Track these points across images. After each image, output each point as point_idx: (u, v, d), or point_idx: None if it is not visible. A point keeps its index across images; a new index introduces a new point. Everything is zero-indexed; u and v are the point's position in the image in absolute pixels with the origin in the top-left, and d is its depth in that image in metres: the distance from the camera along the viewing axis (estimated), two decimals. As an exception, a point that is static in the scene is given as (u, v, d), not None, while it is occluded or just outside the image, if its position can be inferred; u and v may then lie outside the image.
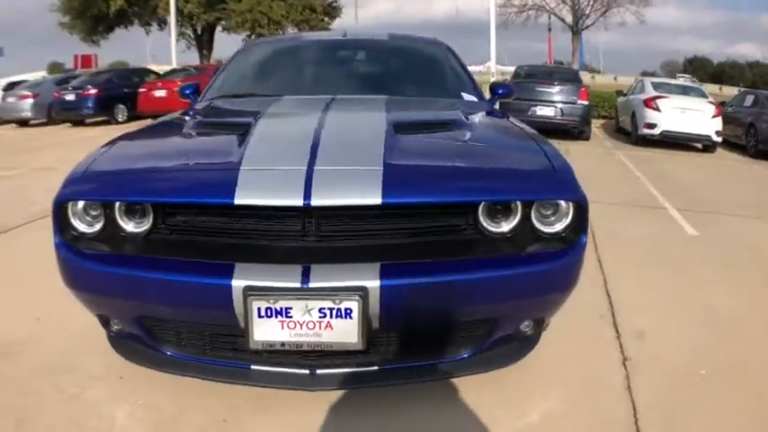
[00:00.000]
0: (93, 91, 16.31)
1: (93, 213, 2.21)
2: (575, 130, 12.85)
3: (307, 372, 2.16)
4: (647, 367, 2.87)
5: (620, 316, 3.49)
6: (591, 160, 10.26)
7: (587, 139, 13.09)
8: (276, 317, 1.95)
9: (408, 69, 4.06)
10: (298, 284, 1.92)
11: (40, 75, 28.87)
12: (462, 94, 3.69)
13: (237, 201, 1.97)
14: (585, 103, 12.72)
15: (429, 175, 2.18)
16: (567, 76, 13.84)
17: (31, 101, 17.01)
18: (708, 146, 12.56)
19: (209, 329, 2.21)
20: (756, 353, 3.10)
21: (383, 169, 2.06)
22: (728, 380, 2.81)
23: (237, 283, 1.93)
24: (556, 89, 12.78)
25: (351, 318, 1.94)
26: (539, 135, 2.72)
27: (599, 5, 32.75)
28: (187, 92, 3.97)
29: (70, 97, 16.47)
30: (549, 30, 38.08)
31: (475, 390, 2.52)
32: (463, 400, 2.50)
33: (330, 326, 1.95)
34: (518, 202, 2.17)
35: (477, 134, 2.72)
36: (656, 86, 13.54)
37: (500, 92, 4.10)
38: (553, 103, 12.69)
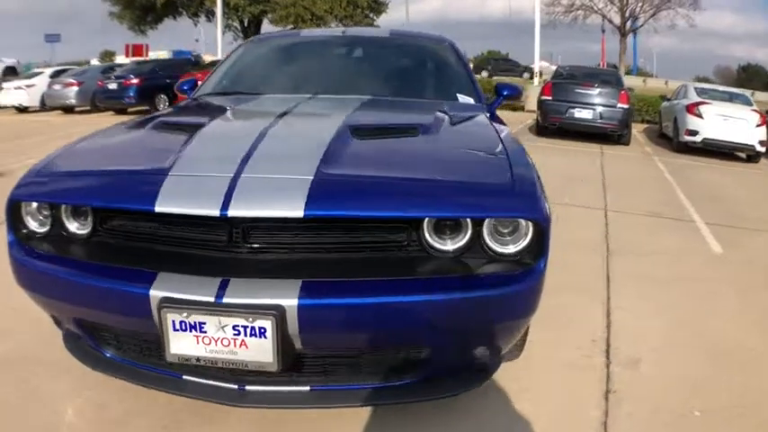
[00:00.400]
0: (134, 80, 16.52)
1: (45, 213, 2.22)
2: (613, 134, 12.43)
3: (235, 387, 2.05)
4: (634, 402, 2.61)
5: (616, 340, 3.21)
6: (625, 165, 9.95)
7: (627, 144, 12.62)
8: (191, 331, 1.84)
9: (401, 68, 3.91)
10: (212, 299, 1.81)
11: (94, 62, 29.58)
12: (458, 95, 3.51)
13: (158, 208, 1.89)
14: (626, 106, 12.25)
15: (363, 186, 2.01)
16: (608, 79, 13.35)
17: (75, 88, 17.38)
18: (751, 156, 11.94)
19: (143, 335, 2.11)
20: (766, 397, 2.77)
21: (313, 179, 1.93)
22: (726, 425, 2.52)
23: (155, 294, 1.86)
24: (595, 91, 12.35)
25: (265, 337, 1.81)
26: (515, 145, 2.51)
27: (648, 7, 31.81)
28: (185, 87, 4.02)
29: (113, 86, 16.76)
30: (603, 31, 37.36)
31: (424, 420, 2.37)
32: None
33: (245, 344, 1.83)
34: (468, 220, 1.99)
35: (442, 142, 2.51)
36: (699, 92, 12.95)
37: (505, 93, 3.91)
38: (592, 105, 12.30)
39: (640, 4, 31.99)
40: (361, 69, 3.90)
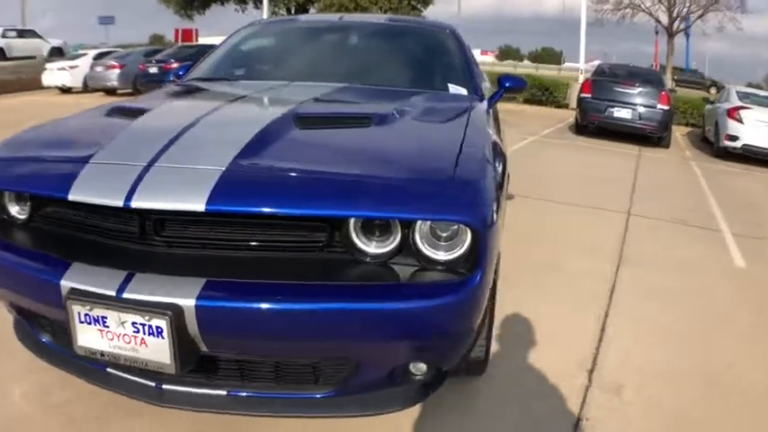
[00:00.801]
0: (174, 65, 16.63)
1: None
2: (653, 136, 11.99)
3: (153, 384, 1.97)
4: (606, 432, 2.37)
5: (603, 361, 2.98)
6: (659, 168, 9.56)
7: (666, 146, 12.15)
8: (94, 324, 1.75)
9: (389, 56, 3.72)
10: (113, 293, 1.73)
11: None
12: (450, 85, 3.32)
13: (71, 197, 1.83)
14: (666, 107, 11.77)
15: (274, 181, 1.86)
16: (649, 78, 12.83)
17: (117, 71, 17.63)
18: (793, 166, 11.36)
19: (65, 323, 2.02)
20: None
21: (223, 171, 1.81)
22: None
23: (65, 284, 1.80)
24: (635, 91, 11.92)
25: (162, 337, 1.71)
26: (478, 142, 2.30)
27: (695, 7, 30.72)
28: (180, 73, 3.98)
29: (153, 70, 16.97)
30: (657, 33, 36.45)
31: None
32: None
33: (144, 342, 1.74)
34: (396, 221, 1.83)
35: (392, 135, 2.33)
36: (741, 96, 12.29)
37: (507, 85, 3.68)
38: (631, 105, 11.87)
39: (688, 5, 30.96)
40: (346, 56, 3.75)
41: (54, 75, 18.25)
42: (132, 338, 1.75)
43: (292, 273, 1.79)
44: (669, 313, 3.69)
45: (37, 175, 2.04)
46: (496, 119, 3.83)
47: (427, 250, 1.84)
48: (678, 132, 14.80)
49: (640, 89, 11.99)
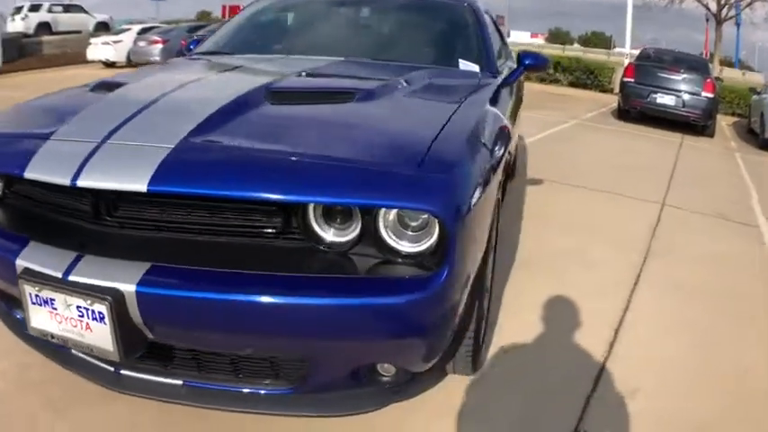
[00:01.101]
0: (215, 41, 16.74)
1: None
2: (697, 125, 11.56)
3: (112, 369, 1.92)
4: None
5: (614, 364, 2.74)
6: (701, 158, 9.20)
7: (711, 136, 11.71)
8: (44, 306, 1.70)
9: (396, 29, 3.61)
10: (59, 275, 1.67)
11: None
12: (461, 61, 3.17)
13: (27, 174, 1.77)
14: (711, 95, 11.33)
15: (223, 160, 1.73)
16: (695, 65, 12.37)
17: (160, 46, 17.83)
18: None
19: None
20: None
21: (173, 148, 1.71)
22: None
23: (20, 263, 1.75)
24: (679, 77, 11.49)
25: (104, 323, 1.64)
26: (467, 123, 2.12)
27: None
28: (191, 47, 3.97)
29: (193, 46, 17.05)
30: (707, 20, 35.41)
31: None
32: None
33: (89, 327, 1.67)
34: (356, 208, 1.70)
35: (373, 112, 2.18)
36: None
37: (527, 62, 3.53)
38: (675, 91, 11.45)
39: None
40: (352, 29, 3.66)
41: (98, 49, 18.54)
42: (78, 322, 1.68)
43: (246, 260, 1.70)
44: (693, 311, 3.49)
45: (2, 152, 1.98)
46: (515, 98, 3.68)
47: (391, 240, 1.71)
48: (724, 122, 14.27)
49: (685, 75, 11.58)
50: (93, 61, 18.37)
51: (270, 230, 1.74)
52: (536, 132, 8.86)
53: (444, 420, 2.29)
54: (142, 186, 1.62)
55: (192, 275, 1.65)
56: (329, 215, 1.74)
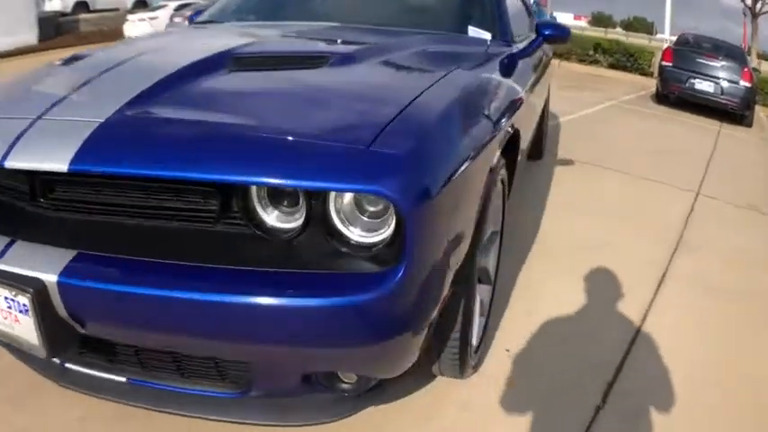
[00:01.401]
0: (249, 19, 16.82)
1: None
2: (735, 113, 11.38)
3: (57, 361, 1.77)
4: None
5: (628, 369, 2.50)
6: (738, 148, 9.06)
7: (749, 125, 11.51)
8: None
9: None
10: None
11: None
12: (470, 27, 2.95)
13: None
14: (748, 84, 11.19)
15: (153, 136, 1.55)
16: (732, 54, 12.19)
17: (195, 23, 17.94)
18: None
19: None
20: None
21: (101, 123, 1.54)
22: None
23: None
24: (718, 64, 11.37)
25: (28, 315, 1.49)
26: (445, 92, 1.89)
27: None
28: (193, 18, 3.77)
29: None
30: (744, 15, 34.65)
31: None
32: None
33: (18, 320, 1.53)
34: (298, 189, 1.48)
35: (341, 79, 1.99)
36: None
37: (546, 33, 3.37)
38: (714, 78, 11.32)
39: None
40: None
41: (135, 26, 18.72)
42: (8, 314, 1.54)
43: (180, 248, 1.53)
44: (719, 311, 3.26)
45: None
46: (534, 71, 3.48)
47: (342, 228, 1.50)
48: (762, 113, 13.99)
49: (723, 63, 11.46)
50: (129, 38, 18.57)
51: (207, 214, 1.53)
52: (571, 111, 8.75)
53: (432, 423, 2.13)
54: (63, 166, 1.46)
55: (119, 265, 1.50)
56: (274, 197, 1.53)
